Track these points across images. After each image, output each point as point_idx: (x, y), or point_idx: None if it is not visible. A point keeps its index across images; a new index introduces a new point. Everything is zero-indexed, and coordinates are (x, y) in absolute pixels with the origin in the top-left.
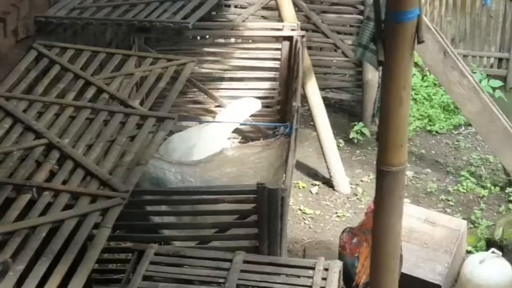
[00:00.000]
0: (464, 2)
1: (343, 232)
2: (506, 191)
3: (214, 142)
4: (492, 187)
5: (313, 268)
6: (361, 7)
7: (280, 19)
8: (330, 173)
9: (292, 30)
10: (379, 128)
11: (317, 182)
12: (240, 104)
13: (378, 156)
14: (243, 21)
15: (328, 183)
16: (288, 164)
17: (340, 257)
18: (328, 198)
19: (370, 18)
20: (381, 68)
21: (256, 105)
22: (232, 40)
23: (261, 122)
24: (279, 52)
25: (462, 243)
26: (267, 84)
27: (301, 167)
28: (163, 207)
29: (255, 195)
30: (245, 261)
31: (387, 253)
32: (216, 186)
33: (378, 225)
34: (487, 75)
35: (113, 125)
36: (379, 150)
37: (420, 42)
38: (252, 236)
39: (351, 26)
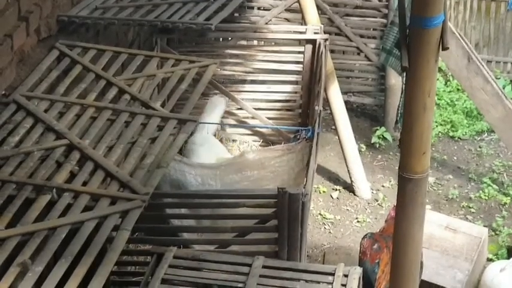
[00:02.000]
0: (488, 7)
1: (363, 238)
2: None
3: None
4: None
5: (332, 274)
6: (385, 11)
7: (303, 22)
8: (351, 178)
9: (315, 33)
10: (402, 135)
11: (338, 187)
12: (209, 105)
13: (400, 163)
14: (266, 23)
15: (349, 188)
16: (309, 169)
17: (361, 263)
18: (349, 203)
19: (395, 23)
20: (404, 73)
21: (222, 104)
22: (255, 42)
23: (282, 125)
24: (301, 55)
25: (483, 250)
26: (289, 87)
27: (322, 171)
28: (183, 210)
29: (276, 200)
30: (264, 266)
31: (408, 261)
32: (236, 190)
33: (399, 232)
34: (511, 80)
35: (134, 126)
36: (402, 157)
37: (445, 48)
38: (272, 240)
39: (374, 29)
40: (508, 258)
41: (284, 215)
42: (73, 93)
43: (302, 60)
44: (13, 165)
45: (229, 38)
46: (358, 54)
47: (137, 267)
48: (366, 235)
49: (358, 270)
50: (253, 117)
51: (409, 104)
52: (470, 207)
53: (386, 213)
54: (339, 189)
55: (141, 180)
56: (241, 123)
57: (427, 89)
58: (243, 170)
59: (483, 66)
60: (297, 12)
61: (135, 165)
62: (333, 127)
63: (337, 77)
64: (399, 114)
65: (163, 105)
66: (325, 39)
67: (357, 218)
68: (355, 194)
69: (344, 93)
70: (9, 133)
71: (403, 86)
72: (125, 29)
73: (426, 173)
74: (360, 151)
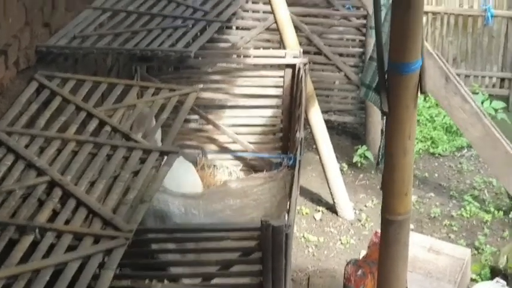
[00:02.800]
0: (465, 22)
1: (348, 264)
2: (510, 216)
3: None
4: (496, 212)
5: None
6: (363, 30)
7: (282, 43)
8: (333, 199)
9: (294, 57)
10: (383, 177)
11: (320, 208)
12: None
13: (382, 205)
14: (246, 43)
15: (332, 208)
16: (292, 198)
17: None
18: (332, 225)
19: (373, 58)
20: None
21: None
22: (235, 65)
23: (263, 149)
24: (281, 79)
25: (466, 271)
26: (269, 112)
27: (305, 192)
28: (167, 245)
29: (259, 232)
30: None
31: None
32: (219, 223)
33: (383, 272)
34: (489, 95)
35: (116, 159)
36: (384, 199)
37: (423, 92)
38: (256, 272)
39: (352, 47)
40: (491, 278)
41: (268, 247)
42: (53, 126)
43: (282, 84)
44: None
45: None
46: (338, 72)
47: None
48: (350, 261)
49: None
50: (234, 142)
51: (390, 147)
52: (452, 226)
53: (370, 234)
54: (322, 211)
55: (125, 216)
56: (222, 149)
57: (407, 133)
58: (225, 198)
59: (461, 85)
60: (276, 32)
61: (118, 201)
62: (314, 146)
63: (317, 95)
64: (380, 156)
65: (144, 136)
66: (305, 63)
67: (340, 240)
68: (338, 215)
69: (324, 112)
70: None
71: (383, 128)
72: (103, 59)
73: (408, 214)
74: (341, 170)
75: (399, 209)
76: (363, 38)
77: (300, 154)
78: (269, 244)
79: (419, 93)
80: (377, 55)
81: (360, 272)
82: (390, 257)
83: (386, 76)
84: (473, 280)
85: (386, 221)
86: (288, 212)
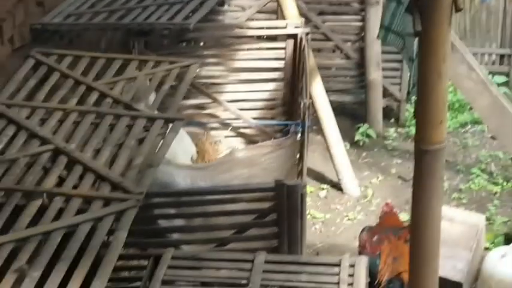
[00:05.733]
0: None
1: (362, 231)
2: None
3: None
4: (504, 183)
5: (338, 265)
6: (362, 5)
7: (282, 16)
8: (338, 176)
9: (296, 27)
10: (416, 105)
11: (325, 186)
12: None
13: (416, 134)
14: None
15: (337, 186)
16: (303, 161)
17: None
18: (338, 202)
19: None
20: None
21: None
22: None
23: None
24: (282, 51)
25: (481, 239)
26: (271, 85)
27: (308, 171)
28: (172, 211)
29: (274, 193)
30: (266, 261)
31: (428, 238)
32: (233, 185)
33: (418, 209)
34: (489, 72)
35: (120, 128)
36: (418, 128)
37: (458, 10)
38: (272, 235)
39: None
40: (506, 244)
41: (283, 208)
42: (53, 99)
43: (283, 56)
44: None
45: (202, 43)
46: (334, 51)
47: (131, 272)
48: (364, 228)
49: (365, 260)
50: (236, 118)
51: (424, 71)
52: (461, 199)
53: (377, 209)
54: (327, 189)
55: (134, 180)
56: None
57: (441, 55)
58: (232, 168)
59: (467, 53)
60: (270, 13)
61: (125, 166)
62: (314, 127)
63: None
64: (411, 85)
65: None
66: (307, 33)
67: (347, 216)
68: (343, 192)
69: None
70: None
71: (412, 54)
72: (99, 35)
73: (444, 143)
74: None
75: (434, 137)
76: (359, 16)
77: (308, 119)
78: (284, 204)
79: (453, 12)
80: None
81: (375, 238)
82: (425, 191)
83: None
84: (487, 249)
85: (420, 151)
86: (301, 173)
